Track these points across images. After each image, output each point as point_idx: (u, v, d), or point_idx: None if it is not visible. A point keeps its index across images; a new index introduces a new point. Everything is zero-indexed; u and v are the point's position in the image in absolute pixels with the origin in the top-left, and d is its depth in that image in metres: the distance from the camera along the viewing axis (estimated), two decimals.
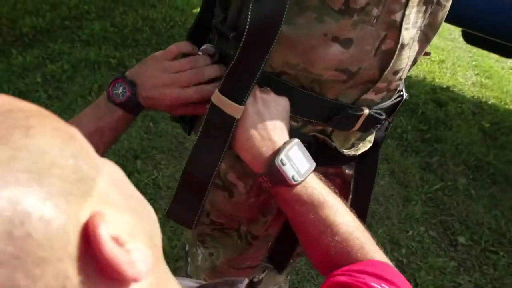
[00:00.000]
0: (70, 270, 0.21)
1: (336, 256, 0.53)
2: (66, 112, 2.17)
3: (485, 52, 3.33)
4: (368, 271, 0.48)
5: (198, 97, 0.61)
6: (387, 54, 0.57)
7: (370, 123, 0.64)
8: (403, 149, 2.38)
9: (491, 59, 3.64)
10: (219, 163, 0.59)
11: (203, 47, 0.64)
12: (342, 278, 0.47)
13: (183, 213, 0.64)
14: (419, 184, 2.16)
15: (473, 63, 3.59)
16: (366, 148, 0.70)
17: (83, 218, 0.22)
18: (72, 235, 0.22)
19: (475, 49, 3.47)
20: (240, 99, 0.54)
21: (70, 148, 0.24)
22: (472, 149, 2.46)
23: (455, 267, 1.78)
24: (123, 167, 0.64)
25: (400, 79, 0.63)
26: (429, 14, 0.58)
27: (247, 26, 0.51)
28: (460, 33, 3.02)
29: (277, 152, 0.54)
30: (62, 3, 3.15)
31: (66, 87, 2.37)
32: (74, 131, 0.26)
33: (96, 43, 2.76)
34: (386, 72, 0.58)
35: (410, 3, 0.54)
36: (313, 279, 1.64)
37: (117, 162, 0.55)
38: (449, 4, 0.60)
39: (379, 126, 0.67)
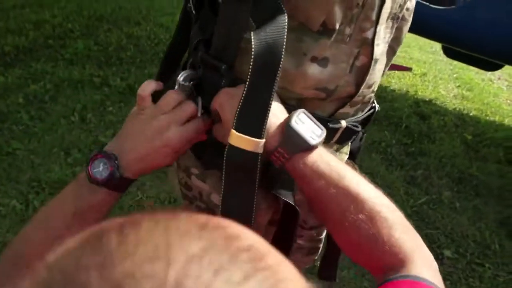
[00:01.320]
0: None
1: (363, 240, 0.49)
2: (48, 133, 2.14)
3: (465, 65, 3.40)
4: None
5: (206, 127, 0.58)
6: (362, 70, 0.60)
7: (347, 135, 0.66)
8: (387, 163, 2.40)
9: (471, 72, 3.72)
10: (254, 206, 0.55)
11: (184, 75, 0.59)
12: None
13: None
14: (404, 198, 2.18)
15: (454, 75, 3.66)
16: (344, 161, 0.71)
17: None
18: None
19: (455, 62, 3.55)
20: (259, 133, 0.51)
21: None
22: (455, 162, 2.50)
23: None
24: None
25: (373, 91, 0.66)
26: (396, 29, 0.62)
27: (252, 59, 0.49)
28: (441, 46, 3.10)
29: (289, 117, 0.52)
30: (45, 22, 3.14)
31: (49, 108, 2.34)
32: None
33: (79, 62, 2.74)
34: (362, 87, 0.61)
35: (380, 21, 0.57)
36: None
37: None
38: (411, 18, 0.63)
39: (354, 137, 0.69)
